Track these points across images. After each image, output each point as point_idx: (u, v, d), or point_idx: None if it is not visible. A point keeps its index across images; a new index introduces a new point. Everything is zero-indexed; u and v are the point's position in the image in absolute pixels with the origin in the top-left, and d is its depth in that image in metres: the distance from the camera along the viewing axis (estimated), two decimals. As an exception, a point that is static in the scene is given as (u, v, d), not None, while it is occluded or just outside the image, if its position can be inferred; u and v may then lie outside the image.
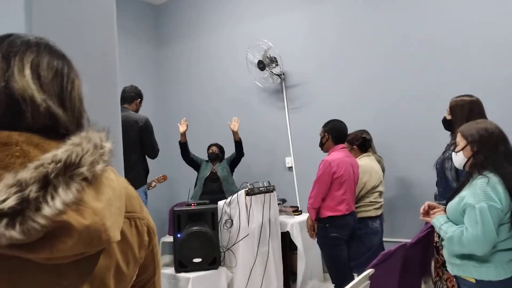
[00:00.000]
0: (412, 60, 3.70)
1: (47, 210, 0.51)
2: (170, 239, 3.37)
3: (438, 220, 1.91)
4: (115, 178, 0.65)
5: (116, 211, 0.61)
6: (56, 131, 0.63)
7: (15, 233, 0.49)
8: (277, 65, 4.35)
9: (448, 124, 2.56)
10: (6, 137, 0.57)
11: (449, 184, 2.46)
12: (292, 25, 4.45)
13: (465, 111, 2.39)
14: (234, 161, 4.31)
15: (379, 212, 3.27)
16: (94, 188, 0.58)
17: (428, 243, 2.50)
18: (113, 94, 1.57)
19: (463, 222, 1.77)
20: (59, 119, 0.64)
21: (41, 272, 0.56)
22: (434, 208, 2.00)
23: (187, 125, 4.23)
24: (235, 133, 4.20)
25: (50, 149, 0.58)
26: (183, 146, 4.27)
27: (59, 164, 0.54)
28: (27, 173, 0.52)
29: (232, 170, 4.33)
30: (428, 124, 3.49)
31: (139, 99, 3.65)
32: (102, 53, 1.51)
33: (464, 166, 1.93)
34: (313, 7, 4.30)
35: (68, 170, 0.55)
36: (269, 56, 4.31)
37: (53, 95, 0.64)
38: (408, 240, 2.46)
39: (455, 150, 1.95)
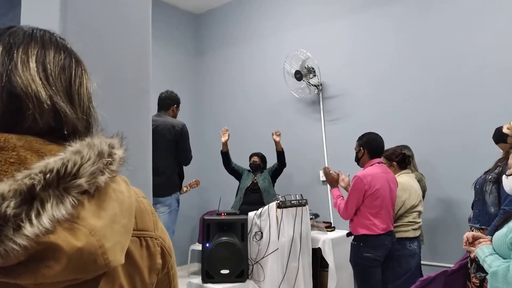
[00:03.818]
0: (458, 76, 3.51)
1: (28, 229, 0.43)
2: (199, 247, 3.35)
3: (483, 251, 1.74)
4: (125, 190, 0.57)
5: (121, 229, 0.53)
6: (60, 133, 0.56)
7: None
8: (314, 75, 4.26)
9: (501, 138, 2.36)
10: (2, 141, 0.50)
11: (486, 208, 2.28)
12: (331, 35, 4.35)
13: None
14: (276, 172, 4.20)
15: (417, 233, 3.09)
16: (97, 203, 0.51)
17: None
18: (145, 100, 1.54)
19: (510, 256, 1.60)
20: (66, 117, 0.57)
21: None
22: (478, 238, 1.84)
23: (228, 135, 4.18)
24: (277, 143, 4.09)
25: (50, 155, 0.50)
26: (225, 156, 4.22)
27: (49, 175, 0.47)
28: (5, 185, 0.44)
29: (273, 181, 4.21)
30: (473, 143, 3.29)
31: (175, 105, 3.59)
32: (135, 60, 1.49)
33: (516, 191, 1.77)
34: (355, 17, 4.19)
35: (62, 182, 0.47)
36: (306, 67, 4.23)
37: (60, 90, 0.58)
38: (449, 265, 2.29)
39: (507, 174, 1.79)
